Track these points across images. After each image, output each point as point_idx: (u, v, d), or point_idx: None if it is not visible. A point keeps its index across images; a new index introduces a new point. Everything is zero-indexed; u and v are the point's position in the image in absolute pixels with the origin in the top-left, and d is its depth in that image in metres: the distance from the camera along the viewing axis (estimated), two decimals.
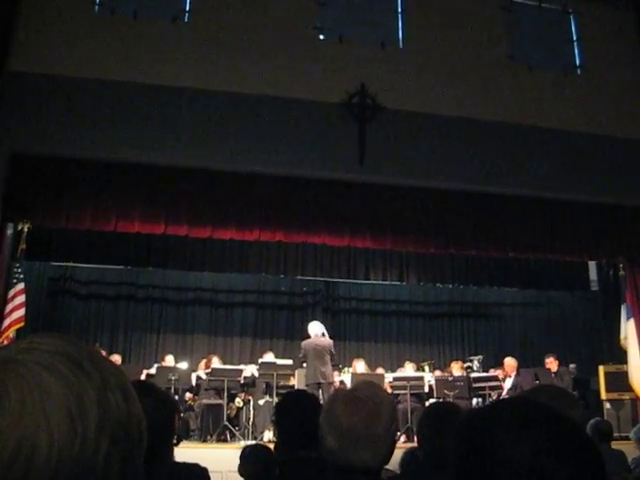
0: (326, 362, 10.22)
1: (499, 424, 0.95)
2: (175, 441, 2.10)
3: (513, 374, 11.41)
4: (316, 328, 10.73)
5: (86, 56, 9.51)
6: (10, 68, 9.09)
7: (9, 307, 9.30)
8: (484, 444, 0.94)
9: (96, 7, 10.06)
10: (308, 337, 10.69)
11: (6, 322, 9.21)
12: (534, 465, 0.89)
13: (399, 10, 11.23)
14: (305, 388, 9.97)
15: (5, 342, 9.04)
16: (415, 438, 9.64)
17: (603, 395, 11.10)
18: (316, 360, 10.17)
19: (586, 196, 10.97)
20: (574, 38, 11.98)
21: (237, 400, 10.82)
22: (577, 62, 11.82)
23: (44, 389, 0.61)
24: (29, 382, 0.61)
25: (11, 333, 9.19)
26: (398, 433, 9.32)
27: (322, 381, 10.05)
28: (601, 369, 11.32)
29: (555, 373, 11.06)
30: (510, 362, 11.70)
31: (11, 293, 9.40)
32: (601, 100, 11.12)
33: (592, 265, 13.32)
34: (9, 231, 9.64)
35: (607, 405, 11.01)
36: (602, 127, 10.94)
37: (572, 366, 12.05)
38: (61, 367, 0.63)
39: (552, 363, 11.27)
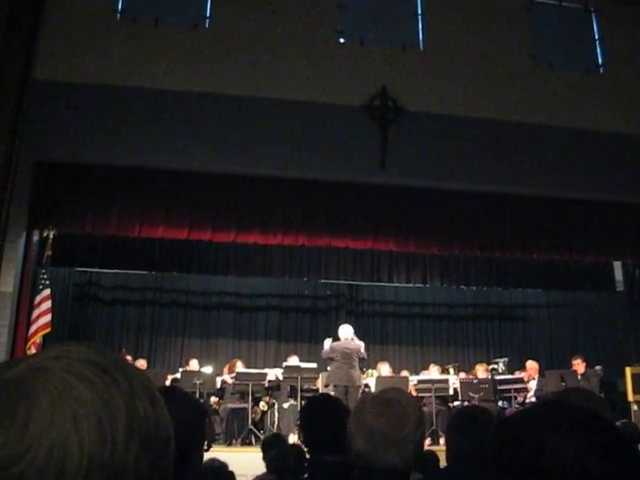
0: (354, 366, 10.19)
1: (543, 428, 0.94)
2: (206, 446, 2.11)
3: (536, 376, 11.32)
4: (347, 331, 10.70)
5: (108, 64, 9.60)
6: (33, 77, 9.18)
7: (35, 313, 9.38)
8: (526, 449, 0.92)
9: (118, 15, 10.16)
10: (338, 339, 10.68)
11: (33, 328, 9.29)
12: (579, 469, 0.88)
13: (419, 12, 11.21)
14: (330, 388, 9.99)
15: (32, 348, 9.14)
16: (440, 441, 9.61)
17: (630, 397, 10.96)
18: (344, 363, 10.15)
19: (610, 196, 10.88)
20: (596, 37, 11.89)
21: (262, 404, 10.83)
22: (599, 61, 11.72)
23: (74, 396, 0.62)
24: (59, 389, 0.62)
25: (38, 339, 9.28)
26: None
27: (349, 384, 10.02)
28: (628, 371, 11.18)
29: (582, 375, 10.94)
30: (532, 365, 11.62)
31: (37, 299, 9.49)
32: (624, 99, 11.03)
33: (617, 265, 13.17)
34: (35, 238, 9.74)
35: (634, 407, 10.87)
36: (625, 126, 10.84)
37: (598, 368, 11.92)
38: (89, 374, 0.64)
39: (579, 365, 11.14)
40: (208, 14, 10.45)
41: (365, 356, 10.68)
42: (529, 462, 0.91)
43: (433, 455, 4.51)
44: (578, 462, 0.88)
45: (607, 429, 0.94)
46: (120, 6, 10.23)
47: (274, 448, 4.99)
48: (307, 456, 3.06)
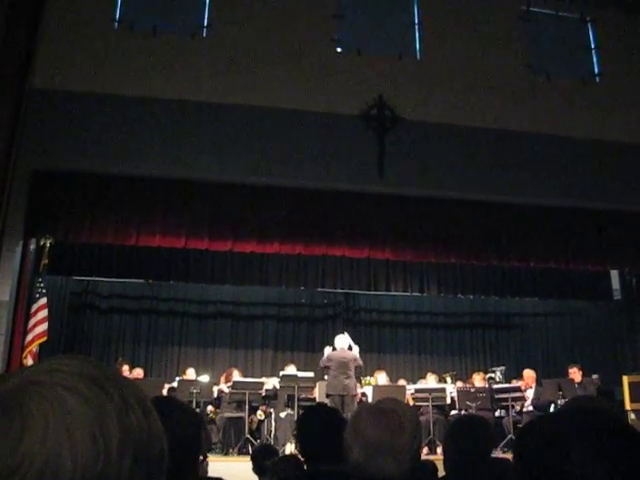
0: (350, 375, 10.19)
1: (569, 433, 0.93)
2: (201, 457, 2.10)
3: (533, 385, 11.32)
4: (343, 341, 10.71)
5: (106, 72, 9.62)
6: (31, 85, 9.19)
7: (32, 322, 9.37)
8: (552, 453, 0.92)
9: (116, 24, 10.18)
10: (334, 349, 10.68)
11: (29, 337, 9.28)
12: (604, 474, 0.87)
13: (416, 22, 11.25)
14: (326, 398, 9.98)
15: (28, 357, 9.12)
16: (437, 450, 9.60)
17: (628, 405, 10.96)
18: (340, 372, 10.15)
19: (607, 204, 10.91)
20: (592, 46, 11.94)
21: (258, 413, 10.81)
22: (596, 70, 11.77)
23: (67, 410, 0.62)
24: (52, 403, 0.62)
25: (34, 348, 9.26)
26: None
27: (344, 393, 10.01)
28: (625, 379, 11.17)
29: (579, 383, 10.93)
30: (529, 373, 11.62)
31: (34, 308, 9.47)
32: (621, 108, 11.06)
33: (614, 274, 13.18)
34: (31, 246, 9.73)
35: (632, 415, 10.85)
36: (622, 135, 10.87)
37: (595, 376, 11.91)
38: (82, 388, 0.64)
39: (576, 373, 11.14)
40: (206, 23, 10.48)
41: (361, 364, 10.67)
42: (554, 466, 0.91)
43: (432, 465, 4.49)
44: (603, 468, 0.88)
45: (632, 435, 0.94)
46: (118, 15, 10.25)
47: (268, 459, 4.97)
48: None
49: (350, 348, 10.76)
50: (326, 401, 9.75)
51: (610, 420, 0.96)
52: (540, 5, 11.70)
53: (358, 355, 10.73)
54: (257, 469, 5.19)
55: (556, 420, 1.00)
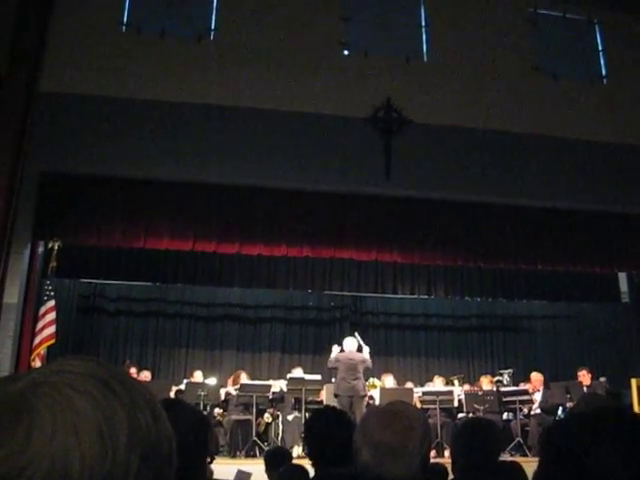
0: (358, 377, 10.15)
1: (589, 433, 0.93)
2: (209, 459, 2.10)
3: (541, 388, 11.28)
4: (351, 343, 10.68)
5: (113, 75, 9.64)
6: (39, 89, 9.22)
7: (40, 324, 9.40)
8: (572, 452, 0.91)
9: (123, 27, 10.22)
10: (342, 350, 10.66)
11: (37, 339, 9.31)
12: (622, 473, 0.87)
13: (423, 24, 11.25)
14: (335, 399, 9.96)
15: (37, 359, 9.15)
16: (445, 453, 9.59)
17: (636, 408, 10.91)
18: (348, 373, 10.12)
19: (615, 207, 10.88)
20: (599, 48, 11.92)
21: (266, 415, 10.81)
22: (603, 72, 11.75)
23: (75, 410, 0.62)
24: (60, 404, 0.62)
25: (42, 350, 9.29)
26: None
27: (352, 394, 9.98)
28: (634, 382, 11.11)
29: (587, 386, 10.90)
30: (537, 377, 11.57)
31: (42, 310, 9.50)
32: (628, 110, 11.03)
33: (622, 276, 13.14)
34: (40, 249, 9.77)
35: None
36: (629, 137, 10.85)
37: (603, 379, 11.87)
38: (91, 388, 0.64)
39: (585, 376, 11.10)
40: (213, 26, 10.51)
41: (370, 365, 10.62)
42: (573, 465, 0.90)
43: (442, 468, 4.49)
44: (622, 467, 0.88)
45: None
46: (125, 18, 10.29)
47: (280, 464, 4.96)
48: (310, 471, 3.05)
49: (360, 349, 10.73)
50: (334, 402, 9.75)
51: (632, 421, 0.96)
52: (547, 7, 11.69)
53: (368, 356, 10.70)
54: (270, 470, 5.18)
55: (578, 421, 0.99)
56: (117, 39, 10.01)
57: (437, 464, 4.59)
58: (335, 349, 10.85)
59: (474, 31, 10.97)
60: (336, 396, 10.08)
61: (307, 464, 3.40)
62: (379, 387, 11.26)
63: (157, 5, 10.66)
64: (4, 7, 9.16)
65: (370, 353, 11.01)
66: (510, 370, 13.05)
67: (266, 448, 10.04)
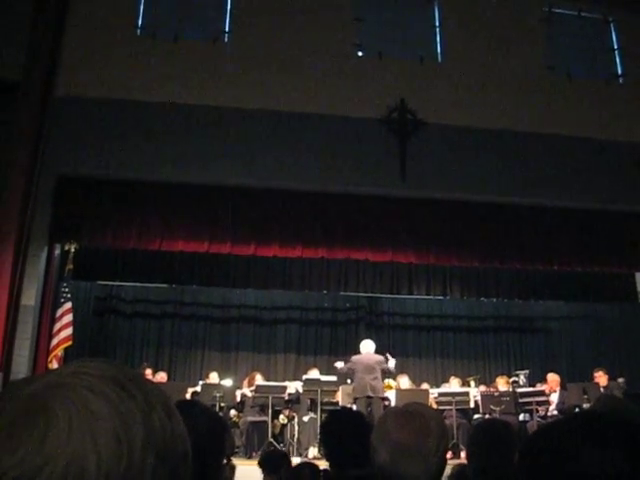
0: (377, 377, 10.11)
1: (580, 437, 0.92)
2: (225, 460, 2.10)
3: (557, 389, 11.21)
4: (368, 346, 10.66)
5: (129, 79, 9.70)
6: (55, 92, 9.28)
7: (57, 326, 9.46)
8: (562, 456, 0.91)
9: (138, 31, 10.26)
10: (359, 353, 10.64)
11: (54, 341, 9.37)
12: (613, 478, 0.87)
13: (437, 25, 11.23)
14: (354, 401, 9.94)
15: (54, 361, 9.20)
16: (461, 454, 9.54)
17: None
18: (366, 374, 10.08)
19: (631, 206, 10.81)
20: (615, 47, 11.84)
21: (281, 417, 10.81)
22: (618, 71, 11.67)
23: (91, 411, 0.62)
24: (76, 405, 0.62)
25: (59, 352, 9.35)
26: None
27: (372, 395, 9.94)
28: None
29: (605, 387, 10.81)
30: (553, 377, 11.49)
31: (59, 313, 9.57)
32: None
33: (639, 276, 13.05)
34: (56, 252, 9.83)
35: None
36: None
37: (621, 380, 11.78)
38: (107, 390, 0.65)
39: (601, 377, 11.01)
40: (227, 29, 10.54)
41: (387, 369, 10.53)
42: (564, 470, 0.90)
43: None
44: (613, 472, 0.87)
45: None
46: (140, 22, 10.35)
47: (280, 467, 4.87)
48: (321, 472, 3.04)
49: (386, 359, 10.58)
50: (350, 403, 9.73)
51: (624, 426, 0.95)
52: (562, 6, 11.63)
53: (393, 366, 10.60)
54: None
55: (569, 424, 0.99)
56: (132, 43, 10.07)
57: (460, 465, 4.54)
58: (339, 364, 10.79)
59: (487, 31, 10.94)
60: (355, 400, 10.04)
61: (324, 465, 3.39)
62: (395, 388, 11.23)
63: (171, 9, 10.71)
64: (21, 12, 9.23)
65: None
66: (526, 371, 12.98)
67: (282, 449, 10.05)
